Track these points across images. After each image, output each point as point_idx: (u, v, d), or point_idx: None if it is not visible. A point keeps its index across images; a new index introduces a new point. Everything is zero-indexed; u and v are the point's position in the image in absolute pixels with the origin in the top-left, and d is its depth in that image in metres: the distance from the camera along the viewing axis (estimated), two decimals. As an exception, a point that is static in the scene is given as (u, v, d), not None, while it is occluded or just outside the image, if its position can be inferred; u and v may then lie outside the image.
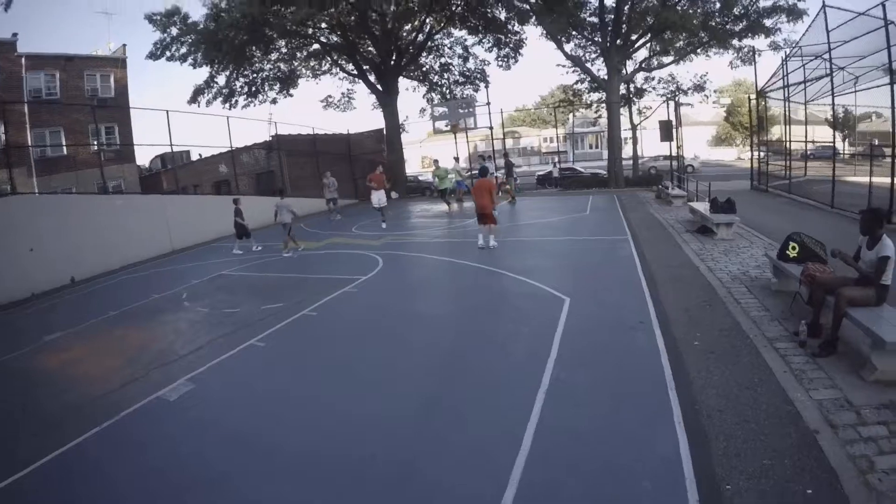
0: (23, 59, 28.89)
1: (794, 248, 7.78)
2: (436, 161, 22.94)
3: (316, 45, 29.54)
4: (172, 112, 19.89)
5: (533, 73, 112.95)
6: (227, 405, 6.04)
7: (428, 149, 55.59)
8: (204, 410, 5.93)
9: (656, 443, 4.51)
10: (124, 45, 34.53)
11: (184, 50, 25.63)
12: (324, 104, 32.51)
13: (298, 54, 30.06)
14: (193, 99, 27.99)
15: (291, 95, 30.04)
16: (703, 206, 13.77)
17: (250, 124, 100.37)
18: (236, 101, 28.44)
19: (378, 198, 18.50)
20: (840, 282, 6.12)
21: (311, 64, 30.98)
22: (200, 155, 31.77)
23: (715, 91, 35.30)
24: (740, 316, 7.27)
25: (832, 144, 19.81)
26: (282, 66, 29.85)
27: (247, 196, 22.32)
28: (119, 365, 7.55)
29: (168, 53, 25.60)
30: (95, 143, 27.50)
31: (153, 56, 25.64)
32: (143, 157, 45.42)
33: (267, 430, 5.32)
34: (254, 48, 27.09)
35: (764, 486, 3.87)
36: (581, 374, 5.89)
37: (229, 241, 17.49)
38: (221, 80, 28.09)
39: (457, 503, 4.02)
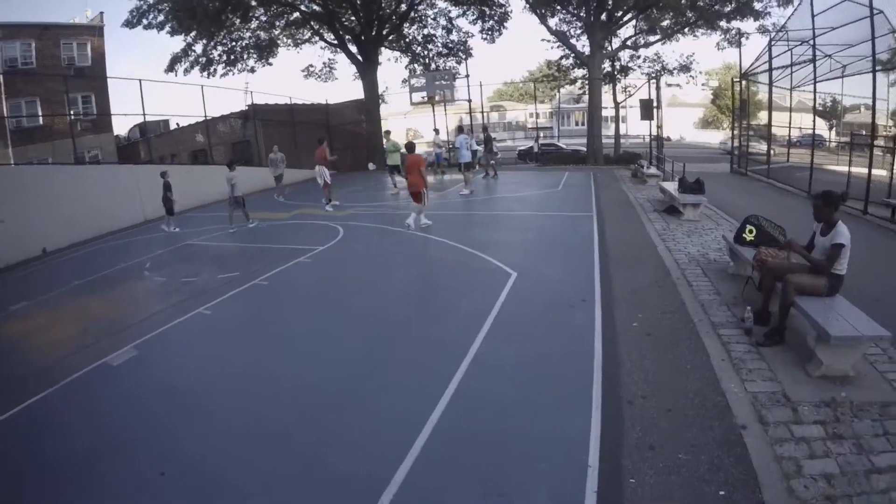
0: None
1: (750, 231, 7.36)
2: (387, 133, 21.86)
3: (296, 14, 28.53)
4: (148, 81, 19.32)
5: (521, 47, 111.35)
6: (164, 371, 6.03)
7: (412, 120, 54.58)
8: (142, 375, 5.95)
9: (566, 426, 4.18)
10: (101, 13, 33.24)
11: (161, 17, 24.67)
12: (304, 74, 31.35)
13: (278, 22, 29.01)
14: (171, 68, 26.95)
15: (271, 64, 29.18)
16: (672, 186, 13.31)
17: (228, 94, 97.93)
18: (214, 69, 27.35)
19: (321, 174, 16.38)
20: (791, 268, 5.68)
21: (291, 32, 29.94)
22: (178, 124, 30.92)
23: (703, 73, 34.70)
24: (689, 299, 6.89)
25: (813, 132, 19.43)
26: (261, 34, 28.76)
27: (220, 166, 21.80)
28: (74, 333, 7.46)
29: (145, 21, 24.62)
30: (71, 112, 26.60)
31: (129, 24, 24.63)
32: (122, 126, 44.13)
33: (195, 394, 5.35)
34: (230, 15, 26.08)
35: (672, 483, 3.51)
36: (507, 350, 5.60)
37: (202, 210, 16.95)
38: (199, 48, 27.13)
39: (351, 476, 3.80)
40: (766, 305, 5.84)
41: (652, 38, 27.81)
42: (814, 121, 20.56)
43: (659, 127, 24.08)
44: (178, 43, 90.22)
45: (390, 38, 30.00)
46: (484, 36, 30.35)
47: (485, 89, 33.05)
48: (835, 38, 15.62)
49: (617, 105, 29.80)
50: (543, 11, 26.62)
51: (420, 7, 29.81)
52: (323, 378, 5.34)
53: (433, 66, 30.22)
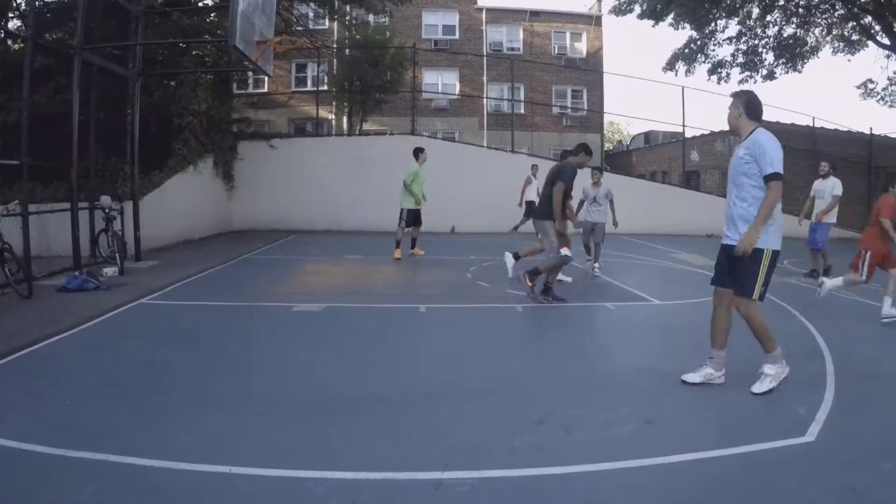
0: (483, 13, 26.88)
1: None
2: None
3: (839, 7, 19.63)
4: (643, 80, 14.51)
5: None
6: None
7: None
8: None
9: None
10: (599, 2, 29.49)
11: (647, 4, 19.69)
12: (862, 92, 21.40)
13: (817, 18, 20.49)
14: (670, 66, 21.50)
15: (799, 71, 20.58)
16: None
17: (721, 101, 77.90)
18: (727, 74, 20.89)
19: None
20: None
21: (834, 33, 20.93)
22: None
23: None
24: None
25: None
26: (791, 30, 20.79)
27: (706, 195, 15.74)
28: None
29: (639, 9, 19.98)
30: (557, 105, 23.97)
31: (618, 11, 20.54)
32: (636, 129, 39.45)
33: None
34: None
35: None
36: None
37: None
38: (707, 44, 20.97)
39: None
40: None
41: None
42: None
43: None
44: (679, 37, 77.83)
45: None
46: None
47: None
48: None
49: None
50: None
51: None
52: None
53: None
